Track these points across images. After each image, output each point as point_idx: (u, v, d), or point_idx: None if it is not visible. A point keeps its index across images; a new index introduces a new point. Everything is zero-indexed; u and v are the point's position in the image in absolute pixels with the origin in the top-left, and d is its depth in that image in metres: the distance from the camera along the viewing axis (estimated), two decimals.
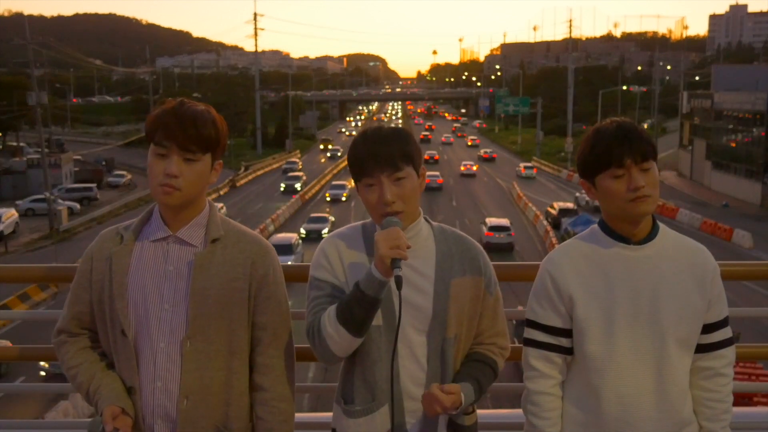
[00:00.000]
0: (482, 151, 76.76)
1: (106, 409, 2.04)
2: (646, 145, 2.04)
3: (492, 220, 34.98)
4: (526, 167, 62.13)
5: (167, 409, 2.08)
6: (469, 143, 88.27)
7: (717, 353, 2.14)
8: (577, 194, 46.22)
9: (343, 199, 46.66)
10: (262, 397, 2.16)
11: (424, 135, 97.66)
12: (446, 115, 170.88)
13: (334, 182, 53.03)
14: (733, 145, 51.73)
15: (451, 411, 2.06)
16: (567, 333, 2.13)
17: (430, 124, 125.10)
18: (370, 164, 2.07)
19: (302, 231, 35.12)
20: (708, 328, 2.12)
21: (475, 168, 62.37)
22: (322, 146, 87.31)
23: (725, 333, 2.15)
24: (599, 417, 2.09)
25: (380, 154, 2.07)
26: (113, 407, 2.04)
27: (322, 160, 75.94)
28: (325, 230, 34.50)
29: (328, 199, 47.24)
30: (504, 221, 34.79)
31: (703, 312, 2.10)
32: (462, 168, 61.82)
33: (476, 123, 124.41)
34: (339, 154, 76.36)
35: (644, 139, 2.04)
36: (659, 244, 2.11)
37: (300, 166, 66.46)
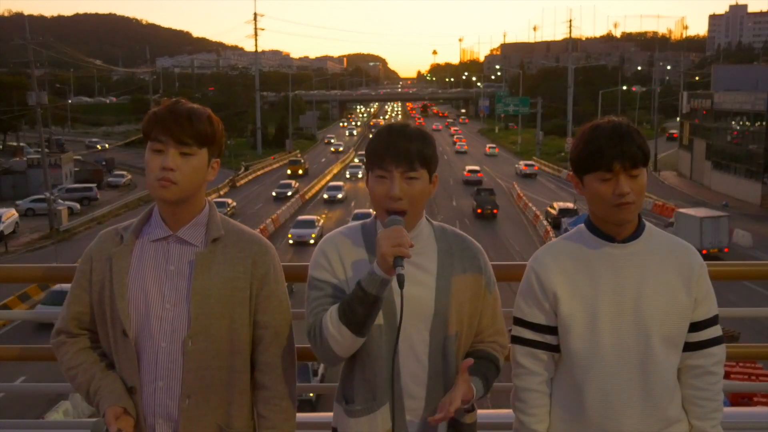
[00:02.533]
0: (455, 137, 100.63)
1: (108, 410, 2.04)
2: (638, 151, 2.01)
3: (469, 167, 60.67)
4: (490, 147, 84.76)
5: (169, 408, 2.08)
6: (452, 132, 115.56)
7: (706, 351, 2.13)
8: (516, 165, 64.51)
9: (311, 241, 34.10)
10: (264, 395, 2.16)
11: (418, 123, 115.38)
12: (439, 112, 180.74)
13: (300, 217, 38.14)
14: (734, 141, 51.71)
15: (464, 405, 2.05)
16: (552, 330, 2.14)
17: (420, 116, 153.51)
18: (387, 156, 2.07)
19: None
20: (696, 326, 2.12)
21: (466, 148, 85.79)
22: (289, 171, 62.15)
23: (714, 331, 2.15)
24: (584, 413, 2.09)
25: (399, 149, 2.07)
26: (116, 407, 2.04)
27: (298, 183, 54.04)
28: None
29: (291, 241, 34.79)
30: (476, 167, 60.47)
31: (690, 310, 2.10)
32: (458, 147, 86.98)
33: (460, 119, 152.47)
34: (289, 194, 49.94)
35: (638, 145, 2.02)
36: (645, 242, 2.11)
37: (231, 211, 41.32)
